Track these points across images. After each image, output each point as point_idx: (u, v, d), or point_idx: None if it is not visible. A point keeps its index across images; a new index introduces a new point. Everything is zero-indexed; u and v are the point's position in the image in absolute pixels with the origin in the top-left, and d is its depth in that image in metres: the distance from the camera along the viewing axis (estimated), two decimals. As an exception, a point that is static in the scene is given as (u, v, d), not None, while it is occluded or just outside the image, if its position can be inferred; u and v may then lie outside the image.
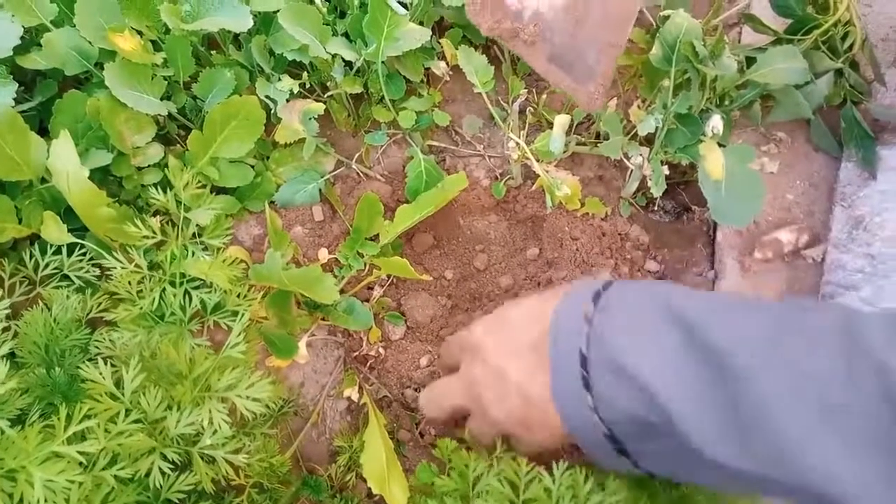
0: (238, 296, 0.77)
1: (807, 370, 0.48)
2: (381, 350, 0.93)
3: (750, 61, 0.93)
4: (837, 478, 0.46)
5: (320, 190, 0.97)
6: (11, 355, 0.67)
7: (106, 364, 0.60)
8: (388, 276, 0.96)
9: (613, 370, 0.56)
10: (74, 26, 0.87)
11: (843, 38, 0.96)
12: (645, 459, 0.60)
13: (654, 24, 1.03)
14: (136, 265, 0.76)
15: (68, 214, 0.83)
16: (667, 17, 0.87)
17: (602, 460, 0.63)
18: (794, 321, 0.52)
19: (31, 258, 0.79)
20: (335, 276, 0.92)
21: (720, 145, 0.87)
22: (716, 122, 0.86)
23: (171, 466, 0.61)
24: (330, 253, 0.95)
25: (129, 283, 0.74)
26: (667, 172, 0.92)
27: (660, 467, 0.60)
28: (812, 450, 0.47)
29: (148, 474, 0.59)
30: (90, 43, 0.88)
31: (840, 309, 0.51)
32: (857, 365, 0.46)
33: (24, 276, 0.80)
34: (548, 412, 0.61)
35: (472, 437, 0.74)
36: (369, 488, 0.79)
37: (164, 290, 0.73)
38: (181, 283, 0.75)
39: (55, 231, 0.80)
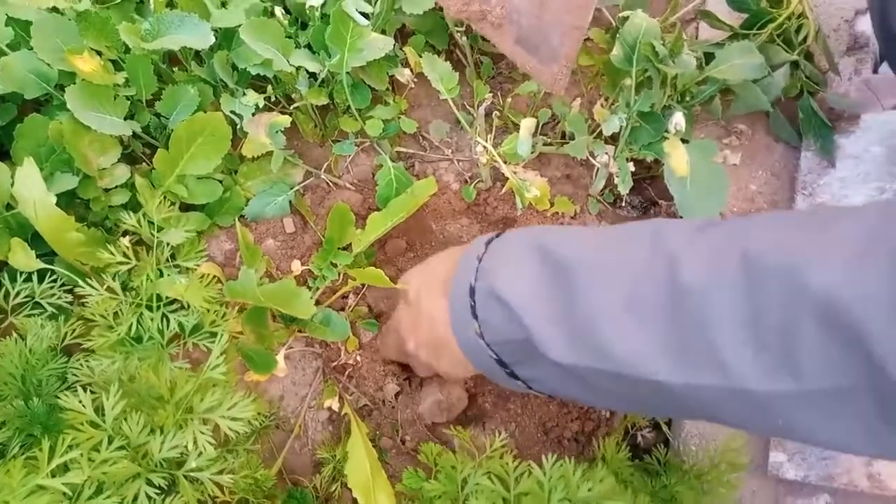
0: (216, 315, 0.77)
1: (620, 268, 0.57)
2: (358, 358, 0.93)
3: (708, 57, 0.94)
4: (636, 358, 0.54)
5: (290, 202, 0.98)
6: (-13, 388, 0.67)
7: (85, 392, 0.60)
8: (363, 284, 0.96)
9: (489, 295, 0.64)
10: (31, 49, 0.86)
11: (797, 30, 0.98)
12: (533, 382, 0.67)
13: (614, 24, 1.05)
14: (111, 289, 0.75)
15: (35, 240, 0.81)
16: (626, 18, 0.88)
17: (500, 383, 0.70)
18: (620, 233, 0.62)
19: (0, 287, 0.78)
20: (309, 288, 0.92)
21: (683, 140, 0.89)
22: (678, 119, 0.87)
23: (156, 490, 0.61)
24: (303, 264, 0.95)
25: (105, 309, 0.73)
26: (632, 169, 0.94)
27: (545, 387, 0.67)
28: (619, 336, 0.55)
29: (135, 500, 0.59)
30: (49, 65, 0.87)
31: (656, 220, 0.61)
32: (655, 258, 0.55)
33: (-6, 306, 0.79)
34: (450, 341, 0.70)
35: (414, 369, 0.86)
36: (354, 498, 0.80)
37: (140, 314, 0.73)
38: (158, 307, 0.75)
39: (23, 258, 0.79)
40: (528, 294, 0.61)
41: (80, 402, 0.60)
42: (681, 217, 0.98)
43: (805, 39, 0.98)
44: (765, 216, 0.55)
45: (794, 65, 0.98)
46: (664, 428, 0.91)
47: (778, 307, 0.47)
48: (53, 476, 0.54)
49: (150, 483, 0.60)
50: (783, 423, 0.50)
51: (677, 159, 0.84)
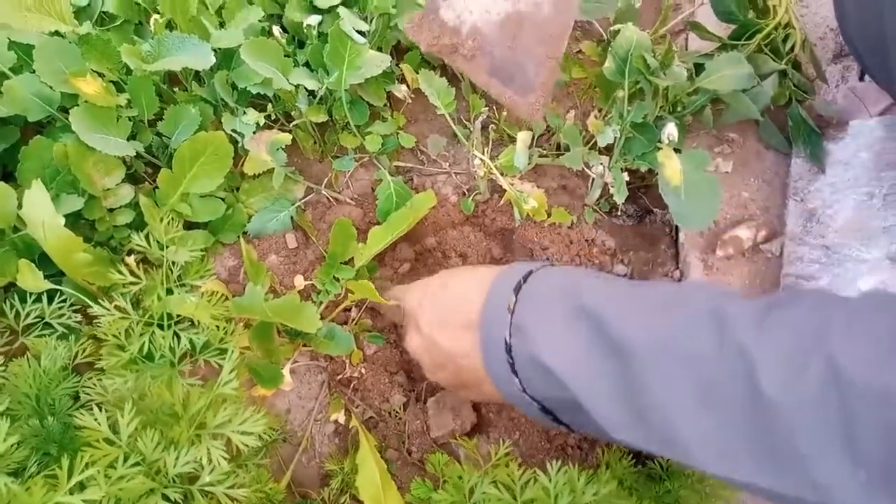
0: (225, 333, 0.78)
1: (684, 354, 0.55)
2: (363, 371, 0.95)
3: (698, 68, 0.96)
4: (713, 456, 0.53)
5: (292, 217, 0.99)
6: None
7: (100, 410, 0.61)
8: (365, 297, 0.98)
9: (531, 361, 0.63)
10: (34, 72, 0.87)
11: (784, 40, 1.00)
12: (577, 426, 0.68)
13: (605, 37, 1.07)
14: (122, 309, 0.76)
15: (42, 261, 0.83)
16: (617, 31, 0.90)
17: (542, 425, 0.72)
18: (671, 302, 0.60)
19: (11, 308, 0.79)
20: (313, 302, 0.93)
21: (676, 150, 0.91)
22: (671, 130, 0.89)
23: (172, 506, 0.62)
24: (306, 279, 0.97)
25: (117, 328, 0.74)
26: (627, 178, 0.96)
27: (590, 431, 0.68)
28: (695, 431, 0.53)
29: (151, 515, 0.60)
30: (51, 88, 0.88)
31: (709, 295, 0.58)
32: (725, 349, 0.53)
33: (5, 326, 0.80)
34: (482, 381, 0.70)
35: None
36: (363, 508, 0.81)
37: (152, 333, 0.74)
38: (168, 325, 0.76)
39: (31, 279, 0.80)
40: (579, 368, 0.60)
41: (96, 419, 0.61)
42: (676, 225, 1.01)
43: (792, 48, 1.01)
44: (838, 308, 0.52)
45: (783, 74, 1.00)
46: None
47: (876, 428, 0.46)
48: (72, 493, 0.55)
49: (165, 498, 0.61)
50: None
51: (671, 169, 0.86)
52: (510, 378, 0.66)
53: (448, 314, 0.74)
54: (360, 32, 0.93)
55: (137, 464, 0.60)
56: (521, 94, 0.85)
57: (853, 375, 0.47)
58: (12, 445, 0.61)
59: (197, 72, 0.98)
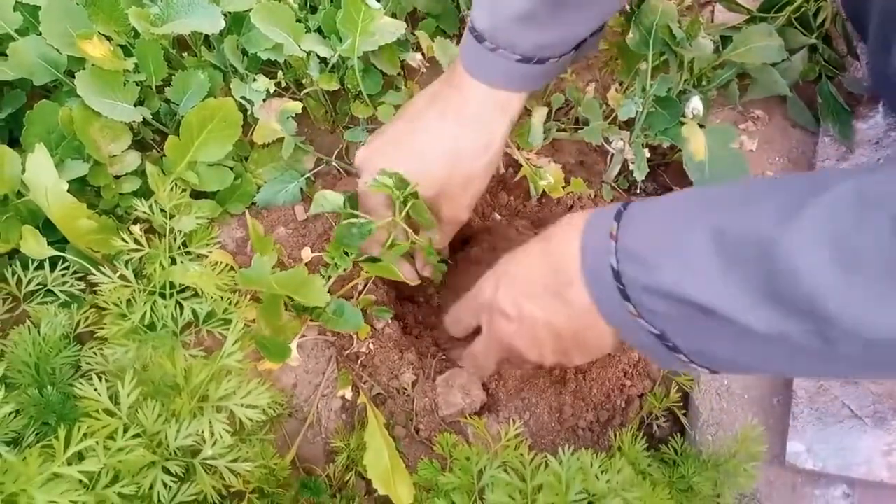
0: (230, 303, 0.76)
1: (820, 227, 0.51)
2: (370, 346, 0.93)
3: (725, 41, 0.93)
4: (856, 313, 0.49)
5: (302, 189, 0.97)
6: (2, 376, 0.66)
7: (101, 380, 0.59)
8: (375, 273, 0.96)
9: (645, 287, 0.59)
10: (40, 34, 0.85)
11: (815, 13, 0.96)
12: (699, 354, 0.62)
13: (628, 7, 1.03)
14: (124, 277, 0.75)
15: (47, 227, 0.81)
16: (642, 1, 0.87)
17: (659, 361, 0.66)
18: (803, 187, 0.54)
19: (13, 275, 0.77)
20: (322, 276, 0.91)
21: (700, 126, 0.88)
22: (695, 104, 0.86)
23: (173, 479, 0.60)
24: (313, 251, 0.94)
25: (118, 297, 0.72)
26: (647, 155, 0.92)
27: (709, 358, 0.62)
28: (834, 294, 0.50)
29: (151, 488, 0.59)
30: (58, 51, 0.86)
31: (846, 175, 0.54)
32: (867, 215, 0.49)
33: (7, 294, 0.78)
34: (598, 329, 0.66)
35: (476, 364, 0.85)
36: (367, 485, 0.79)
37: (154, 302, 0.72)
38: (171, 295, 0.74)
39: (35, 245, 0.79)
40: (700, 280, 0.56)
41: (96, 390, 0.59)
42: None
43: (823, 23, 0.97)
44: None
45: (812, 48, 0.97)
46: (681, 417, 0.90)
47: None
48: (69, 464, 0.53)
49: (166, 471, 0.60)
50: None
51: (696, 143, 0.83)
52: (623, 306, 0.62)
53: (531, 284, 0.71)
54: (375, -2, 0.90)
55: (137, 436, 0.59)
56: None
57: None
58: (10, 414, 0.60)
59: (206, 36, 0.95)
